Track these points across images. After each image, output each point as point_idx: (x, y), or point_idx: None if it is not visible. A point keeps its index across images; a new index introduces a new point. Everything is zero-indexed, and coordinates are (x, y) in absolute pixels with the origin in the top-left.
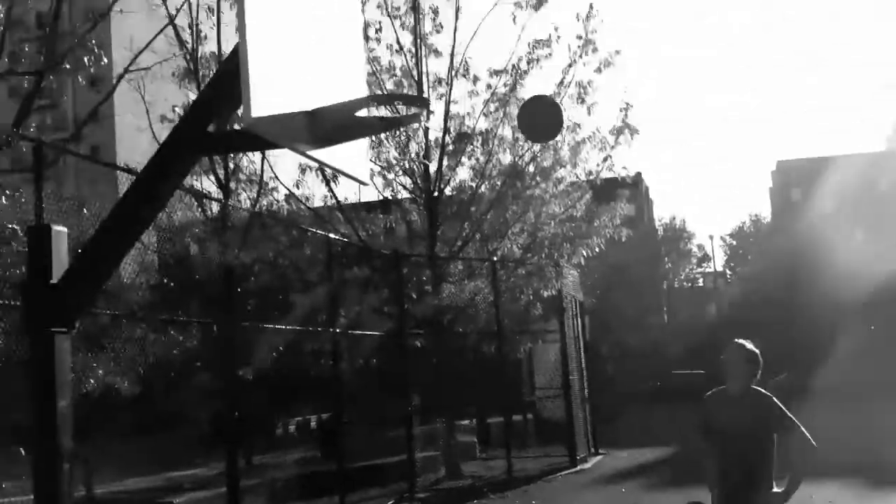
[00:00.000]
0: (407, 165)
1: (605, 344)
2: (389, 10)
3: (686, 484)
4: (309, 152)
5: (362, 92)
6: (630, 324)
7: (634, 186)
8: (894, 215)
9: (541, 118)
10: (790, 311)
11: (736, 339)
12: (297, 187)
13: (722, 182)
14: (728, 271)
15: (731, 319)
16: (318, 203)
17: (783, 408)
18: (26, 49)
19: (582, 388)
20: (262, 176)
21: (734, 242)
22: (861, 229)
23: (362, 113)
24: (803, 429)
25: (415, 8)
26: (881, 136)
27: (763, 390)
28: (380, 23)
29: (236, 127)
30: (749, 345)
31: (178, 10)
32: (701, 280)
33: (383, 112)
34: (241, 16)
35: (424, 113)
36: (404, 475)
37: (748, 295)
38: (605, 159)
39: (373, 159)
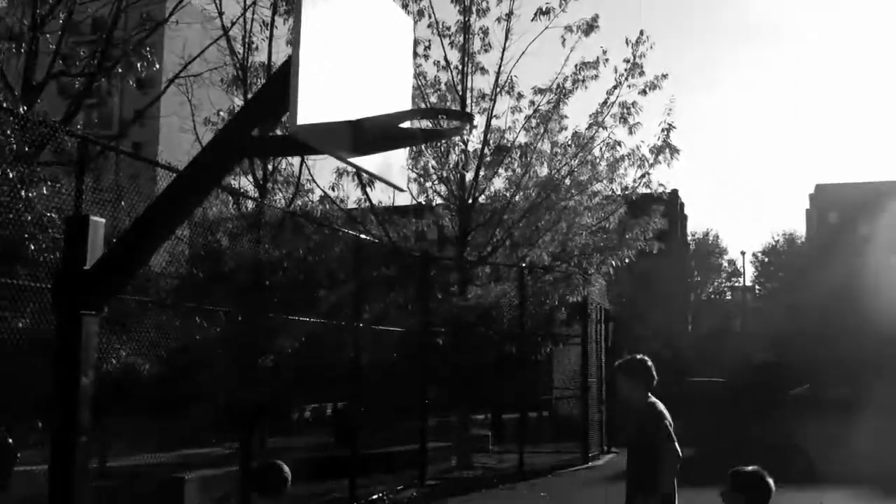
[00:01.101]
0: (444, 174)
1: (626, 350)
2: (440, 29)
3: (691, 484)
4: (349, 159)
5: (406, 104)
6: (654, 332)
7: (670, 202)
8: None
9: None
10: (819, 327)
11: (620, 359)
12: (333, 189)
13: (758, 201)
14: (757, 287)
15: (757, 332)
16: (352, 205)
17: (660, 420)
18: (82, 53)
19: (600, 391)
20: (299, 178)
21: (765, 259)
22: None
23: (406, 125)
24: (674, 443)
25: (465, 28)
26: None
27: (656, 403)
28: (429, 41)
29: (280, 132)
30: (633, 358)
31: (232, 23)
32: (729, 294)
33: (426, 124)
34: (296, 29)
35: (467, 127)
36: (416, 463)
37: (775, 310)
38: (642, 176)
39: (410, 167)
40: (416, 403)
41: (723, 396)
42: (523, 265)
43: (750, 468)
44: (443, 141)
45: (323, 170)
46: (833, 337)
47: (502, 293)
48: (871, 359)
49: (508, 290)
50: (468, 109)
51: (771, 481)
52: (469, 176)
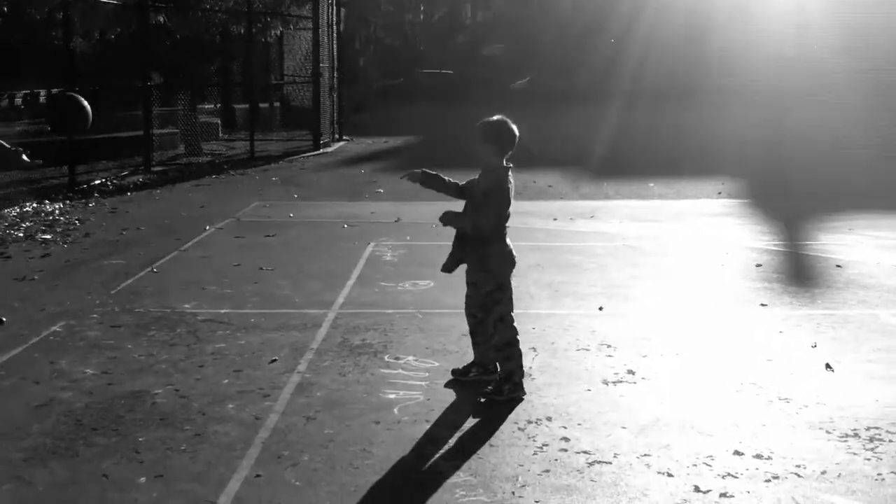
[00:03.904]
0: None
1: (359, 38)
2: None
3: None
4: None
5: None
6: (386, 20)
7: None
8: None
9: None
10: (540, 21)
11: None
12: None
13: None
14: None
15: (487, 22)
16: None
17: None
18: None
19: (331, 78)
20: None
21: None
22: None
23: None
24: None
25: None
26: None
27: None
28: None
29: None
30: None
31: None
32: None
33: None
34: None
35: None
36: (141, 149)
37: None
38: None
39: None
40: (139, 87)
41: (451, 87)
42: None
43: (496, 117)
44: None
45: None
46: (552, 30)
47: None
48: (582, 54)
49: None
50: None
51: (515, 127)
52: None
